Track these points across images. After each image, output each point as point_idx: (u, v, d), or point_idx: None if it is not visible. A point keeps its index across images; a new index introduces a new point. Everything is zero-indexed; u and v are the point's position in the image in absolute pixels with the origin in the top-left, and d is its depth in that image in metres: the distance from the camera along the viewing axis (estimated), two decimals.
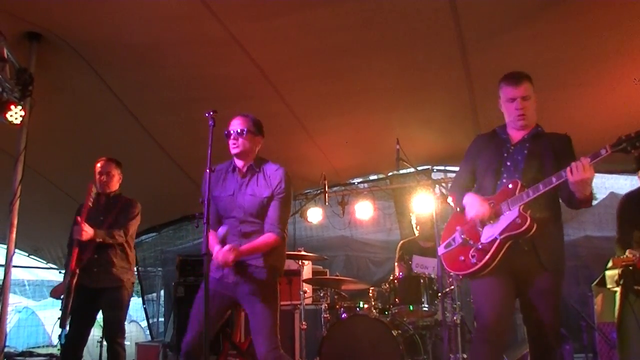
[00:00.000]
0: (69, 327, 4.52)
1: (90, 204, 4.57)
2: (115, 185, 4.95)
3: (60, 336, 4.45)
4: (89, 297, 4.61)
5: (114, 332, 4.70)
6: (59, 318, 4.44)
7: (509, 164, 3.30)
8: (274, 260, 3.72)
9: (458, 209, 3.44)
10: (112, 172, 4.92)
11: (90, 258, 4.58)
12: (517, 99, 3.27)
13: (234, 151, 3.73)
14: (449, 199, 3.65)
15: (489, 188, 3.30)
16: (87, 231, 4.49)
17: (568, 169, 2.93)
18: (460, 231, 3.34)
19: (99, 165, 4.92)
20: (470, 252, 3.21)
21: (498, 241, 3.11)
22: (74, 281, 4.38)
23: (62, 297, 4.46)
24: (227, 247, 3.51)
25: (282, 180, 3.71)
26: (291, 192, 3.84)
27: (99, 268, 4.64)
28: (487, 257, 3.12)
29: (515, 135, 3.37)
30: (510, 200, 3.12)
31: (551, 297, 3.17)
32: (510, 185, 3.17)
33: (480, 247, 3.17)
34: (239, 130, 3.71)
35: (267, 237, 3.63)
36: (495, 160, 3.35)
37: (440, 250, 3.50)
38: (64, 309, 4.37)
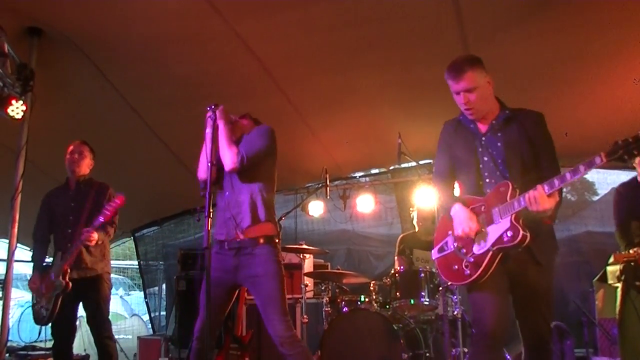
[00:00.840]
0: (54, 325, 4.54)
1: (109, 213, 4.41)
2: (85, 168, 4.75)
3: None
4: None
5: (99, 325, 4.59)
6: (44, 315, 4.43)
7: (486, 159, 3.12)
8: (265, 230, 3.71)
9: (444, 211, 3.29)
10: (85, 153, 4.74)
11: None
12: (460, 92, 3.04)
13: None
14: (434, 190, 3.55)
15: (473, 187, 3.16)
16: (95, 237, 4.43)
17: (526, 197, 2.78)
18: (453, 238, 3.19)
19: (71, 146, 4.74)
20: (463, 263, 3.07)
21: (491, 253, 2.96)
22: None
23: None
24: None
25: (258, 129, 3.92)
26: (267, 134, 3.89)
27: (76, 260, 4.46)
28: (480, 270, 2.98)
29: (481, 123, 3.16)
30: (501, 207, 2.95)
31: (545, 291, 3.12)
32: (501, 188, 2.98)
33: (472, 260, 3.03)
34: None
35: (234, 147, 3.70)
36: (470, 156, 3.16)
37: (434, 254, 3.34)
38: (52, 307, 4.35)
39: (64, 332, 4.65)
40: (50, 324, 4.57)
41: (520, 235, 2.84)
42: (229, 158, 3.68)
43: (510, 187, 2.94)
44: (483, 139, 3.14)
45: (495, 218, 2.97)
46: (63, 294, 4.37)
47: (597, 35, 4.55)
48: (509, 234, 2.88)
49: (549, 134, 3.08)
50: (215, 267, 3.63)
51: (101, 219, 4.35)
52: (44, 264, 4.67)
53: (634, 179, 4.43)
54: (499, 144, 3.10)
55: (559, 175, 2.76)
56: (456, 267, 3.13)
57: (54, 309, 4.35)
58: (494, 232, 2.97)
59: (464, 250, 3.09)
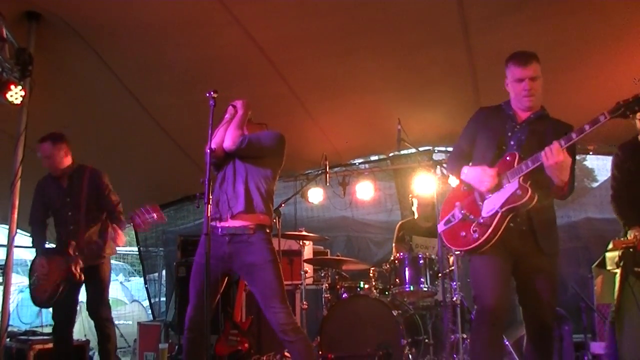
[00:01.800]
0: (55, 309, 4.57)
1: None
2: (64, 161, 4.69)
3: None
4: None
5: (98, 308, 4.63)
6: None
7: (512, 142, 3.25)
8: (258, 220, 3.75)
9: (456, 180, 3.41)
10: (52, 152, 4.62)
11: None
12: (525, 79, 3.20)
13: None
14: (438, 169, 3.62)
15: (488, 163, 3.25)
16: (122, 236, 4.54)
17: (543, 152, 2.92)
18: (460, 206, 3.29)
19: (38, 152, 4.64)
20: (472, 227, 3.17)
21: (499, 214, 3.07)
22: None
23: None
24: None
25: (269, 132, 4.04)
26: (277, 137, 3.97)
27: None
28: (489, 231, 3.08)
29: (521, 114, 3.31)
30: (509, 172, 3.09)
31: (549, 278, 3.17)
32: (508, 158, 3.15)
33: (481, 221, 3.13)
34: None
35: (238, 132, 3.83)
36: (498, 137, 3.29)
37: (440, 227, 3.44)
38: (55, 292, 4.36)
39: (65, 317, 4.67)
40: (51, 308, 4.60)
41: (529, 194, 2.99)
42: (230, 137, 3.77)
43: (517, 156, 3.11)
44: (517, 126, 3.28)
45: (503, 182, 3.11)
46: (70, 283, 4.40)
47: (598, 19, 4.53)
48: (519, 192, 3.02)
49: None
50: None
51: (135, 228, 4.50)
52: (45, 247, 4.71)
53: (635, 138, 4.30)
54: (526, 132, 3.25)
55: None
56: (464, 233, 3.23)
57: (54, 293, 4.35)
58: (502, 193, 3.10)
59: (472, 216, 3.20)
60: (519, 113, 3.32)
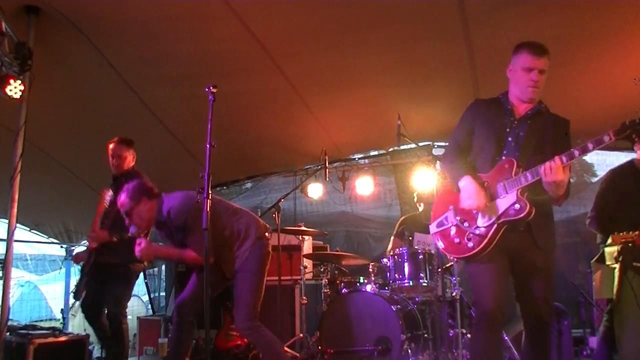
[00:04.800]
0: (84, 299, 4.87)
1: (103, 208, 4.77)
2: (127, 166, 5.02)
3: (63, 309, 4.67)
4: (98, 271, 4.79)
5: (116, 307, 4.82)
6: (73, 290, 4.89)
7: (510, 139, 3.19)
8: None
9: (450, 183, 3.34)
10: (124, 154, 4.99)
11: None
12: (535, 70, 3.13)
13: None
14: (438, 165, 3.58)
15: (487, 164, 3.19)
16: (101, 236, 4.72)
17: (542, 167, 2.87)
18: (454, 211, 3.23)
19: (110, 147, 5.00)
20: (466, 235, 3.12)
21: (495, 226, 3.03)
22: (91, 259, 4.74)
23: (81, 263, 4.91)
24: None
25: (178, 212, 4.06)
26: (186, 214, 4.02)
27: (111, 245, 4.73)
28: (485, 242, 3.04)
29: (519, 107, 3.25)
30: (506, 182, 3.03)
31: (546, 274, 3.15)
32: (506, 165, 3.08)
33: (477, 232, 3.08)
34: None
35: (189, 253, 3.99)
36: (497, 133, 3.22)
37: (433, 228, 3.37)
38: (78, 283, 4.81)
39: (90, 311, 4.95)
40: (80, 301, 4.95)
41: (527, 209, 2.95)
42: (197, 262, 3.90)
43: (515, 164, 3.05)
44: (516, 122, 3.22)
45: (500, 192, 3.05)
46: (95, 271, 4.80)
47: (598, 14, 4.52)
48: (517, 207, 2.97)
49: (570, 141, 3.16)
50: None
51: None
52: None
53: (629, 163, 4.42)
54: (525, 127, 3.19)
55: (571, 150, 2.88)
56: (458, 240, 3.18)
57: (81, 287, 4.81)
58: (499, 205, 3.04)
59: (467, 224, 3.15)
60: (517, 107, 3.25)
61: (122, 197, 4.06)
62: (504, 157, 3.16)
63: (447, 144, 3.63)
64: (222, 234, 3.97)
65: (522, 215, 2.96)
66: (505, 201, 3.02)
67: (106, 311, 4.84)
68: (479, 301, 3.14)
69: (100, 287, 4.84)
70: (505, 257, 3.11)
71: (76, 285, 4.90)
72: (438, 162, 5.63)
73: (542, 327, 3.18)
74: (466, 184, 3.15)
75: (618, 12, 4.44)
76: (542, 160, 2.97)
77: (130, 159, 5.03)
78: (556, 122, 3.21)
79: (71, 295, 4.99)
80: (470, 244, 3.10)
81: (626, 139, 2.71)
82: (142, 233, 4.20)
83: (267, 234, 4.13)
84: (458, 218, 3.20)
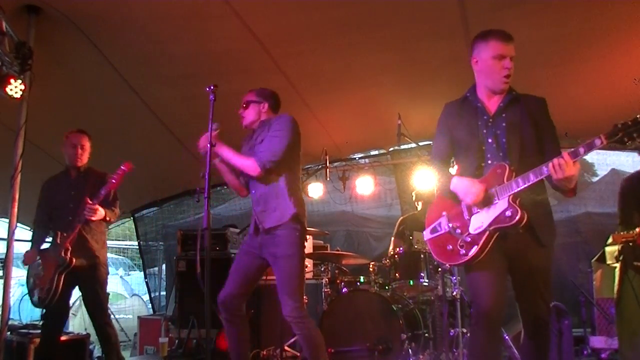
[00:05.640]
0: (47, 308, 4.58)
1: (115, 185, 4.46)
2: (85, 159, 4.80)
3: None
4: (66, 275, 4.48)
5: (99, 312, 4.65)
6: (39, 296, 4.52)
7: (490, 140, 3.08)
8: (285, 218, 3.81)
9: (443, 191, 3.25)
10: (86, 145, 4.78)
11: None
12: (507, 57, 3.02)
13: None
14: (432, 170, 3.52)
15: (473, 169, 3.11)
16: (100, 211, 4.51)
17: (550, 165, 2.76)
18: (447, 217, 3.16)
19: (71, 138, 4.76)
20: (459, 242, 3.05)
21: (487, 233, 2.95)
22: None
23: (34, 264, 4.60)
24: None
25: (278, 122, 3.96)
26: (288, 130, 3.98)
27: (75, 246, 4.48)
28: (476, 249, 2.97)
29: (490, 102, 3.13)
30: (499, 188, 2.94)
31: (545, 274, 3.11)
32: (498, 170, 2.98)
33: (468, 239, 3.01)
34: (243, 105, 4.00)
35: (249, 160, 3.82)
36: (474, 138, 3.12)
37: (427, 234, 3.30)
38: (55, 286, 4.40)
39: (57, 317, 4.69)
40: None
41: (518, 215, 2.84)
42: (250, 171, 3.81)
43: (507, 169, 2.94)
44: (490, 120, 3.12)
45: (493, 198, 2.97)
46: (65, 273, 4.41)
47: (598, 13, 4.51)
48: (508, 213, 2.88)
49: (551, 119, 3.08)
50: (248, 239, 3.95)
51: (107, 188, 4.41)
52: (43, 244, 4.74)
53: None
54: (503, 124, 3.08)
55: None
56: (450, 247, 3.11)
57: (56, 289, 4.39)
58: (491, 211, 2.96)
59: (459, 230, 3.08)
60: (487, 102, 3.16)
61: (250, 92, 4.06)
62: (489, 161, 3.08)
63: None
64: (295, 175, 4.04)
65: (513, 222, 2.87)
66: (497, 207, 2.94)
67: (93, 320, 4.67)
68: (477, 301, 3.10)
69: (68, 291, 4.63)
70: (503, 258, 3.06)
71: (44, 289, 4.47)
72: None
73: (541, 326, 3.16)
74: (457, 182, 3.10)
75: (618, 12, 4.44)
76: (532, 159, 2.93)
77: (88, 152, 4.81)
78: (532, 105, 3.10)
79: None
80: (463, 251, 3.03)
81: (618, 142, 2.60)
82: (246, 123, 4.10)
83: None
84: (450, 225, 3.14)
